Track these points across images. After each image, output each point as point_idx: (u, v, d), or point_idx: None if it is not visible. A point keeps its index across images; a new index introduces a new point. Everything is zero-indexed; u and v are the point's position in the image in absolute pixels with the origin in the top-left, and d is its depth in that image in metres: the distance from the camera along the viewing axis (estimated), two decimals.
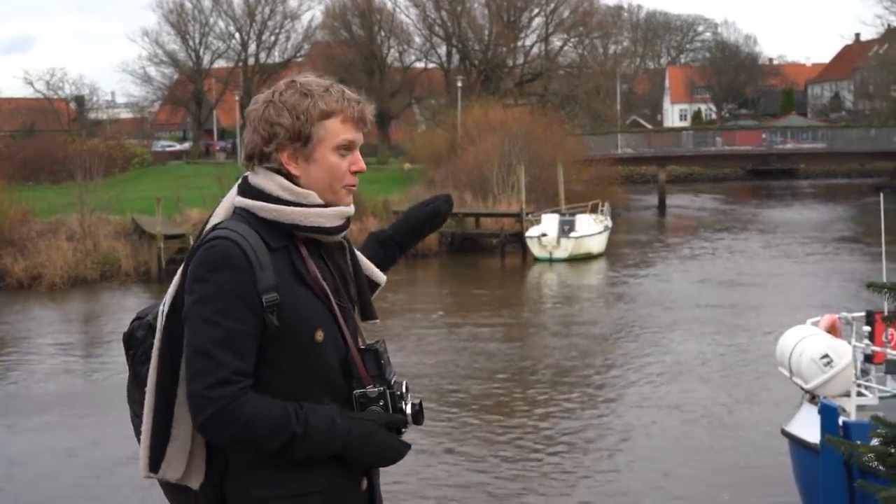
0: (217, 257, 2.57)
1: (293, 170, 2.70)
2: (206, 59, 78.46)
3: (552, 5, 67.70)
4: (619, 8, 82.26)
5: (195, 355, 2.54)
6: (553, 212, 38.38)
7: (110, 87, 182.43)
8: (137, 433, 2.74)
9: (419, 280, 33.90)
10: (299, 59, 78.50)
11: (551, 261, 35.89)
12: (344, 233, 2.78)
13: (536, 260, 36.26)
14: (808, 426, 12.34)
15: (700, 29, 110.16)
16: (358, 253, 2.93)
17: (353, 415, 2.65)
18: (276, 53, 78.89)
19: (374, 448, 2.65)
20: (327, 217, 2.70)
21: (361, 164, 2.76)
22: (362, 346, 2.74)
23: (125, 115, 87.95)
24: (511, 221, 39.26)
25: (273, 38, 78.20)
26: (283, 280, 2.61)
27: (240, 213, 2.69)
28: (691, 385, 18.42)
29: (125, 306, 29.18)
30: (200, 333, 2.54)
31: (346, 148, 2.72)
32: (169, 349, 2.65)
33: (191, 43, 77.20)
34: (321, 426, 2.58)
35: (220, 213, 2.75)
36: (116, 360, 21.68)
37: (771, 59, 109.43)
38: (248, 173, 2.77)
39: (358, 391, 2.68)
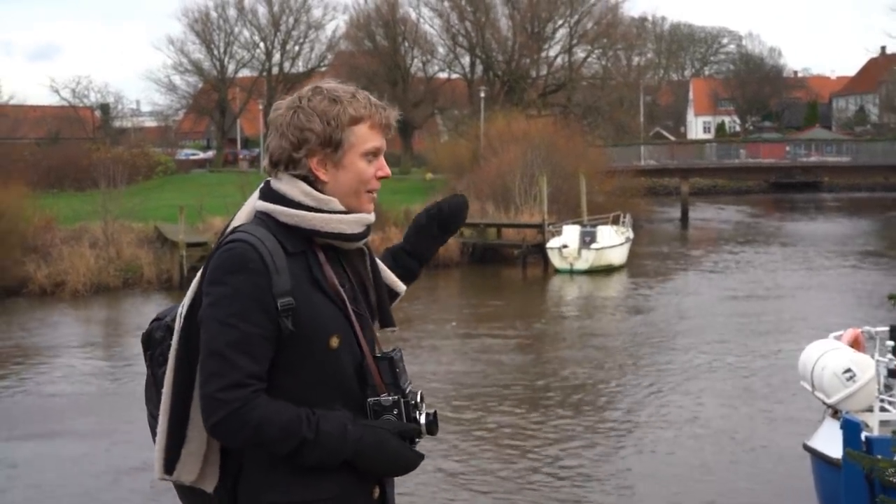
0: (234, 260, 2.58)
1: (322, 175, 2.70)
2: (231, 68, 78.82)
3: (576, 17, 67.66)
4: (643, 19, 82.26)
5: (210, 357, 2.55)
6: (575, 223, 38.32)
7: (135, 96, 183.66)
8: (154, 434, 2.75)
9: (440, 290, 33.90)
10: (323, 69, 78.70)
11: (572, 272, 35.81)
12: (365, 240, 2.78)
13: (557, 271, 36.20)
14: (830, 441, 12.24)
15: (724, 41, 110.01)
16: (378, 261, 2.93)
17: (365, 422, 2.64)
18: (300, 63, 79.20)
19: (386, 456, 2.63)
20: (348, 223, 2.70)
21: (387, 170, 2.77)
22: (378, 354, 2.73)
23: (149, 123, 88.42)
24: (533, 232, 39.21)
25: (297, 47, 78.53)
26: (299, 285, 2.61)
27: (260, 218, 2.69)
28: (711, 399, 18.33)
29: (147, 313, 29.27)
30: (216, 335, 2.54)
31: (374, 154, 2.73)
32: (186, 351, 2.66)
33: (215, 52, 77.56)
34: (333, 432, 2.57)
35: (241, 217, 2.75)
36: (136, 368, 21.77)
37: (795, 72, 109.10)
38: (270, 178, 2.77)
39: (372, 399, 2.68)
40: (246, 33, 78.31)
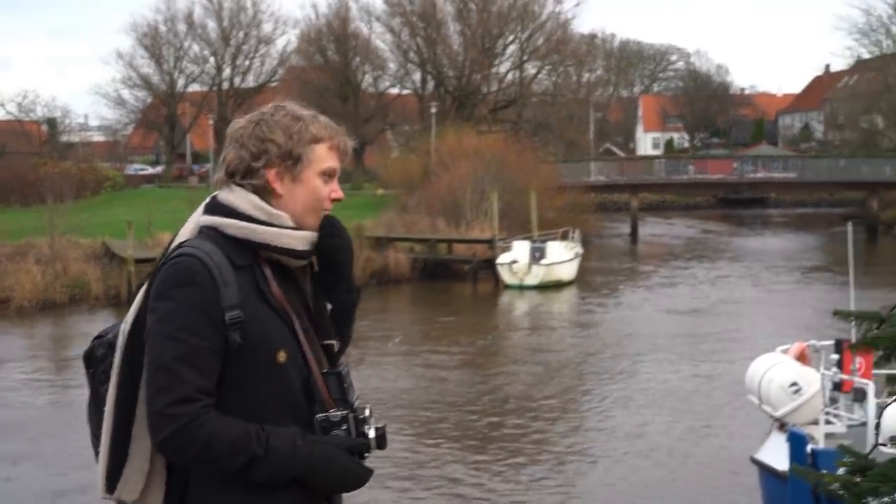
0: (181, 274, 2.56)
1: (278, 188, 2.70)
2: (181, 82, 78.35)
3: (527, 33, 68.00)
4: (593, 36, 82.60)
5: (157, 372, 2.52)
6: (524, 238, 38.44)
7: (83, 110, 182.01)
8: (97, 454, 2.71)
9: (389, 305, 33.86)
10: (274, 84, 78.47)
11: (522, 288, 35.92)
12: (310, 258, 2.77)
13: (507, 287, 36.28)
14: (776, 454, 12.36)
15: (673, 58, 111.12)
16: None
17: (314, 438, 2.62)
18: (251, 78, 78.90)
19: (336, 472, 2.62)
20: (297, 240, 2.70)
21: (340, 193, 2.80)
22: (325, 370, 2.72)
23: (98, 137, 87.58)
24: (483, 248, 39.28)
25: (248, 62, 78.23)
26: (246, 298, 2.59)
27: (206, 232, 2.68)
28: (658, 414, 18.42)
29: (93, 330, 28.82)
30: (163, 350, 2.52)
31: (329, 175, 2.75)
32: (129, 368, 2.63)
33: (165, 66, 77.07)
34: (282, 448, 2.55)
35: (185, 233, 2.73)
36: (79, 386, 21.50)
37: (742, 89, 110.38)
38: (217, 192, 2.76)
39: (320, 415, 2.66)
40: (196, 48, 78.03)
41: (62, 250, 34.18)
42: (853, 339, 12.81)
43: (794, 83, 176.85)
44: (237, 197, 2.70)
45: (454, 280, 38.64)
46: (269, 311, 2.63)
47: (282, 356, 2.62)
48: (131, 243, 33.77)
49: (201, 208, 2.76)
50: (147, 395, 2.55)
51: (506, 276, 36.52)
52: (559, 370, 22.37)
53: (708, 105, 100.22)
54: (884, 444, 2.93)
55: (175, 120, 78.71)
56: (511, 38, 68.43)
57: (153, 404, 2.51)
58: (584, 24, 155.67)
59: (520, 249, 37.04)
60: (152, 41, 76.44)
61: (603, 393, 20.11)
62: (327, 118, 2.79)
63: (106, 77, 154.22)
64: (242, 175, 2.71)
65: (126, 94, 78.10)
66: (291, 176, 2.71)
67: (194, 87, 79.73)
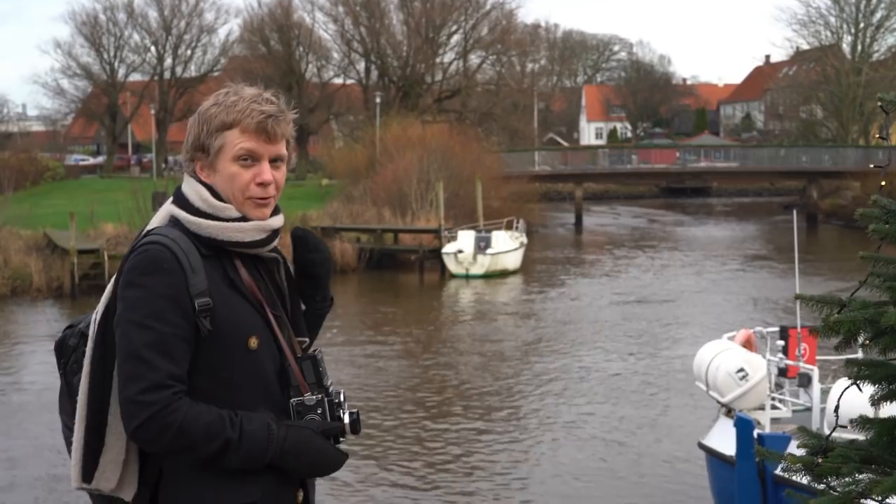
0: (148, 261, 2.55)
1: (205, 178, 2.70)
2: (121, 72, 77.39)
3: (471, 23, 68.07)
4: (537, 26, 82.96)
5: (127, 359, 2.51)
6: (470, 228, 38.55)
7: (21, 100, 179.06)
8: (69, 445, 2.68)
9: (336, 296, 33.70)
10: (216, 74, 77.80)
11: (468, 277, 36.04)
12: (270, 246, 2.72)
13: (453, 276, 36.38)
14: (724, 439, 12.53)
15: (616, 48, 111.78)
16: (291, 269, 2.90)
17: (289, 422, 2.62)
18: (193, 67, 78.09)
19: (311, 456, 2.61)
20: (246, 231, 2.66)
21: (265, 176, 2.68)
22: (299, 355, 2.72)
23: (37, 127, 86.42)
24: (430, 237, 39.32)
25: (189, 51, 77.42)
26: (215, 285, 2.59)
27: (173, 221, 2.68)
28: (605, 401, 18.57)
29: (37, 321, 28.63)
30: (133, 338, 2.50)
31: (246, 158, 2.66)
32: (101, 357, 2.61)
33: (105, 56, 76.10)
34: (256, 432, 2.55)
35: (155, 221, 2.72)
36: (26, 377, 21.25)
37: (685, 80, 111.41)
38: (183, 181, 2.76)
39: (295, 399, 2.66)
40: (136, 37, 77.09)
41: (2, 241, 33.74)
42: (799, 326, 13.05)
43: (735, 73, 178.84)
44: (189, 188, 2.70)
45: (401, 270, 38.65)
46: (240, 298, 2.63)
47: (253, 342, 2.62)
48: (74, 234, 33.37)
49: (172, 196, 2.77)
50: (119, 383, 2.54)
51: (452, 266, 36.61)
52: (502, 359, 22.43)
53: (651, 95, 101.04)
54: (844, 427, 3.00)
55: (116, 110, 77.78)
56: (455, 27, 68.45)
57: (125, 392, 2.50)
58: (528, 15, 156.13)
59: (465, 239, 37.16)
60: (92, 30, 75.46)
61: (546, 382, 20.19)
62: (253, 95, 2.69)
63: (44, 66, 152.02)
64: (185, 167, 2.75)
65: (65, 83, 77.17)
66: (209, 166, 2.69)
67: (135, 77, 78.88)
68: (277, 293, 2.77)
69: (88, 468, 2.63)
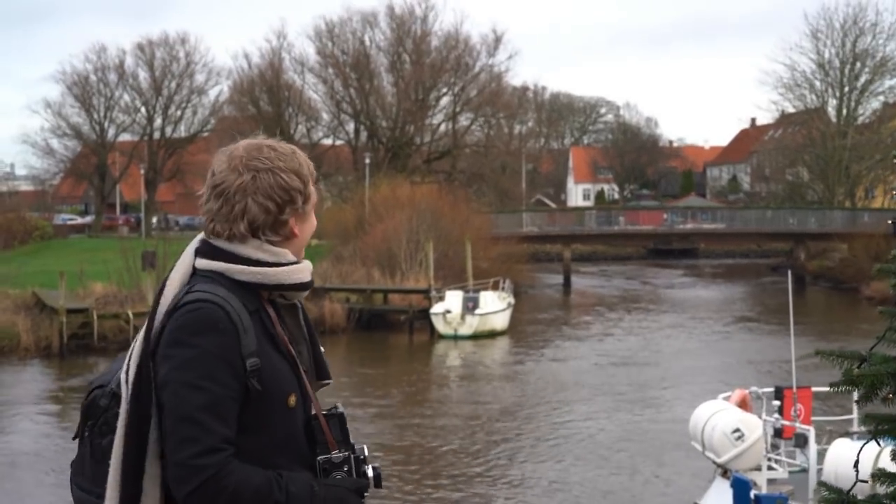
0: (201, 320, 2.49)
1: (297, 231, 2.69)
2: (111, 132, 77.67)
3: (460, 85, 68.66)
4: (525, 89, 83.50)
5: (181, 422, 2.43)
6: (457, 288, 38.57)
7: (10, 159, 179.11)
8: None
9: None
10: (206, 134, 78.13)
11: (456, 338, 36.00)
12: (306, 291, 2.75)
13: (441, 337, 36.33)
14: (720, 500, 12.50)
15: (603, 111, 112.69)
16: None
17: (325, 481, 2.59)
18: (183, 127, 78.44)
19: None
20: (304, 272, 2.70)
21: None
22: (326, 411, 2.69)
23: (25, 187, 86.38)
24: (419, 298, 39.31)
25: (179, 112, 77.80)
26: (260, 344, 2.55)
27: (210, 276, 2.61)
28: (600, 462, 18.49)
29: (25, 381, 28.45)
30: (185, 399, 2.44)
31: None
32: (137, 419, 2.53)
33: (95, 116, 76.38)
34: (301, 494, 2.51)
35: (177, 277, 2.64)
36: (11, 437, 21.07)
37: (671, 142, 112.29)
38: (207, 238, 2.67)
39: (322, 457, 2.62)
40: (127, 97, 77.43)
41: None
42: (794, 386, 13.06)
43: (721, 136, 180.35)
44: (246, 247, 2.64)
45: (390, 330, 38.56)
46: (278, 355, 2.60)
47: (292, 399, 2.59)
48: (63, 293, 33.25)
49: (191, 252, 2.68)
50: (170, 446, 2.45)
51: (440, 326, 36.58)
52: (489, 421, 22.28)
53: (637, 157, 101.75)
54: (864, 481, 3.02)
55: (105, 169, 77.93)
56: (444, 89, 69.01)
57: (178, 455, 2.42)
58: (515, 77, 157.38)
59: (453, 299, 37.17)
60: (82, 90, 75.79)
61: (535, 444, 20.08)
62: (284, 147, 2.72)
63: (34, 125, 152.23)
64: (271, 228, 2.65)
65: (55, 143, 77.32)
66: (302, 216, 2.71)
67: (125, 137, 79.11)
68: (304, 343, 2.75)
69: None
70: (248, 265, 2.61)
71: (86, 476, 2.63)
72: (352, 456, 2.66)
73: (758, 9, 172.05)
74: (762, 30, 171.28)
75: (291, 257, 2.68)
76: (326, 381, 2.83)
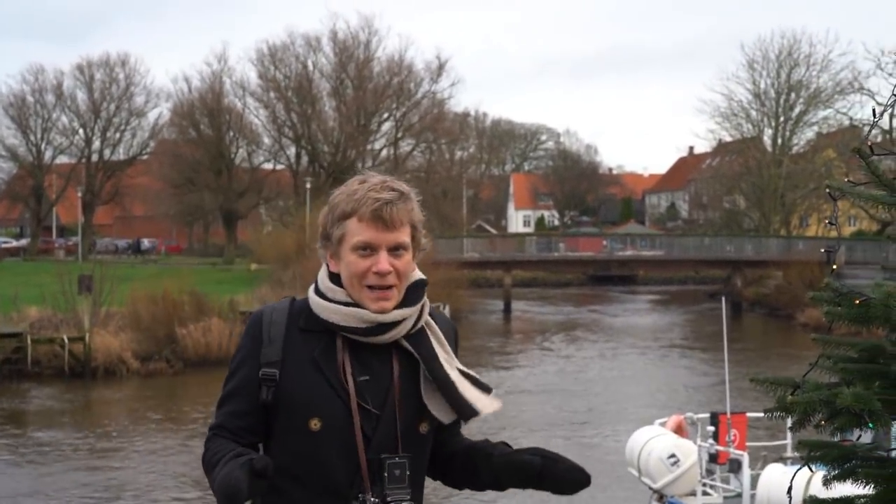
0: (247, 324, 2.78)
1: (332, 267, 2.78)
2: (48, 154, 76.84)
3: (402, 111, 68.87)
4: (466, 115, 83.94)
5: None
6: None
7: None
8: None
9: None
10: (145, 156, 77.57)
11: None
12: (381, 337, 2.70)
13: None
14: None
15: (543, 138, 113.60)
16: (451, 365, 2.82)
17: (228, 460, 2.56)
18: (122, 150, 77.81)
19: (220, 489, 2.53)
20: (342, 315, 2.69)
21: (381, 265, 2.68)
22: (380, 454, 2.67)
23: None
24: None
25: (118, 134, 77.15)
26: (295, 360, 2.69)
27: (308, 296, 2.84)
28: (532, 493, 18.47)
29: None
30: (225, 383, 2.78)
31: (366, 248, 2.69)
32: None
33: (32, 137, 75.51)
34: (219, 468, 2.57)
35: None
36: None
37: (611, 169, 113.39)
38: None
39: (360, 495, 2.66)
40: (65, 119, 76.74)
41: None
42: (728, 412, 13.19)
43: (659, 164, 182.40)
44: (321, 269, 2.83)
45: None
46: (319, 378, 2.67)
47: (315, 423, 2.65)
48: None
49: None
50: None
51: None
52: None
53: (577, 184, 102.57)
54: None
55: (42, 192, 77.01)
56: (386, 115, 69.22)
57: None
58: (458, 104, 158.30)
59: None
60: (19, 111, 74.98)
61: None
62: (376, 185, 2.73)
63: None
64: (322, 253, 2.84)
65: None
66: (335, 254, 2.76)
67: (62, 159, 78.31)
68: (384, 379, 2.72)
69: None
70: (313, 292, 2.79)
71: None
72: None
73: (697, 38, 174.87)
74: (701, 59, 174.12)
75: (341, 296, 2.72)
76: (471, 416, 2.78)
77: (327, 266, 2.78)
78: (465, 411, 2.76)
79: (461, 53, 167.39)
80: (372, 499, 2.65)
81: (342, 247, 2.72)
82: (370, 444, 2.66)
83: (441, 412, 2.75)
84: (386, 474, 2.66)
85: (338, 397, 2.66)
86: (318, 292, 2.76)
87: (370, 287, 2.69)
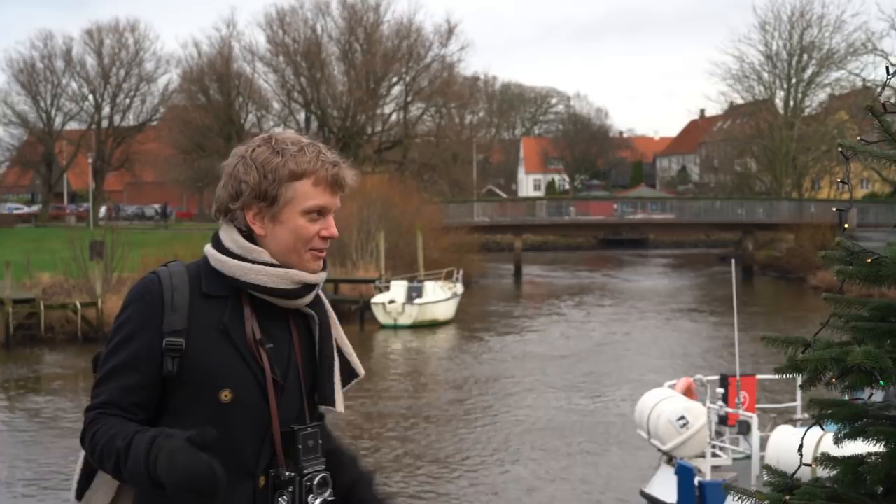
0: (137, 289, 2.56)
1: (257, 229, 2.59)
2: (58, 120, 76.82)
3: (412, 75, 68.61)
4: (476, 79, 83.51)
5: (98, 379, 2.54)
6: (406, 278, 38.57)
7: None
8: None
9: None
10: (155, 123, 77.48)
11: (395, 327, 35.96)
12: (300, 300, 2.62)
13: (382, 326, 36.27)
14: (665, 487, 12.63)
15: (553, 101, 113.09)
16: (338, 333, 2.79)
17: (169, 432, 2.41)
18: (131, 116, 77.77)
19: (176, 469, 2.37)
20: (270, 277, 2.56)
21: (333, 230, 2.64)
22: (291, 426, 2.57)
23: None
24: (369, 287, 39.27)
25: (128, 100, 77.12)
26: (201, 329, 2.51)
27: (200, 259, 2.64)
28: (546, 451, 18.56)
29: None
30: (105, 357, 2.53)
31: (317, 212, 2.60)
32: None
33: (42, 104, 75.49)
34: (140, 442, 2.39)
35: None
36: None
37: (621, 132, 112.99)
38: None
39: (272, 470, 2.55)
40: (74, 85, 76.63)
41: None
42: (738, 374, 13.21)
43: (670, 127, 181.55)
44: (223, 230, 2.62)
45: (341, 321, 37.74)
46: (227, 347, 2.52)
47: (225, 395, 2.49)
48: (9, 283, 32.82)
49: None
50: None
51: (381, 316, 36.56)
52: (420, 413, 22.17)
53: (588, 147, 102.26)
54: (808, 465, 3.06)
55: (52, 158, 77.05)
56: (396, 79, 68.94)
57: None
58: (467, 68, 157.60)
59: (397, 289, 37.18)
60: (29, 78, 74.89)
61: (475, 434, 20.04)
62: (319, 148, 2.62)
63: None
64: (224, 213, 2.62)
65: (0, 131, 76.34)
66: (270, 216, 2.58)
67: (72, 126, 78.29)
68: (284, 346, 2.62)
69: (82, 487, 2.62)
70: (220, 253, 2.59)
71: None
72: (298, 478, 2.55)
73: (700, 1, 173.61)
74: (706, 22, 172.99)
75: (264, 257, 2.57)
76: (328, 408, 2.70)
77: (239, 228, 2.59)
78: (328, 398, 2.69)
79: (470, 15, 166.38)
80: (287, 472, 2.54)
81: (287, 208, 2.57)
82: (279, 416, 2.55)
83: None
84: (300, 446, 2.55)
85: (248, 367, 2.52)
86: (230, 254, 2.57)
87: (311, 250, 2.61)
